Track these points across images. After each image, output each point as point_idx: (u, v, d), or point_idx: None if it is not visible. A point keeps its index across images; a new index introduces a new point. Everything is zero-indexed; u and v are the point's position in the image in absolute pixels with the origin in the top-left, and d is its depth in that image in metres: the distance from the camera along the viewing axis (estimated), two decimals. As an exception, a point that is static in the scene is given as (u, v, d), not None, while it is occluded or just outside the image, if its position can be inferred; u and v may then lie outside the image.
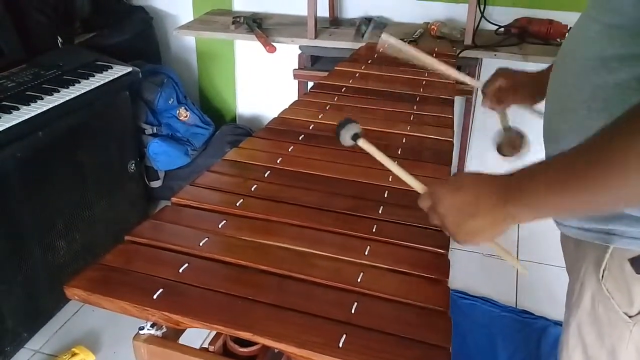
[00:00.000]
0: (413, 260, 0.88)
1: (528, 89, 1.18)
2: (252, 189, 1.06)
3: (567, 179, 0.64)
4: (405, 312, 0.77)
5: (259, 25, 2.47)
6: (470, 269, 2.23)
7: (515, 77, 1.21)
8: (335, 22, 2.58)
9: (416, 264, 0.86)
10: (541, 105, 1.14)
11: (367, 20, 2.50)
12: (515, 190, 0.69)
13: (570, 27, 2.35)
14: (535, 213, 0.69)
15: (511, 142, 1.31)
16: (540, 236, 2.44)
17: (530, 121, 1.19)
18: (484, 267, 2.26)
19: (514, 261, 0.90)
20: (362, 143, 0.92)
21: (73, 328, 1.97)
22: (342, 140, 0.93)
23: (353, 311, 0.76)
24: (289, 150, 1.22)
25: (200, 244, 0.88)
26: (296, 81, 2.49)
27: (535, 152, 1.03)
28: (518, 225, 2.55)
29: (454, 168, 2.12)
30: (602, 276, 0.84)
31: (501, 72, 1.23)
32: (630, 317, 0.83)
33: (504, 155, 1.32)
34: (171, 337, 0.80)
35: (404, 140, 1.29)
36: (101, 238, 2.15)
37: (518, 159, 1.29)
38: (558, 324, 1.96)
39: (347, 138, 0.93)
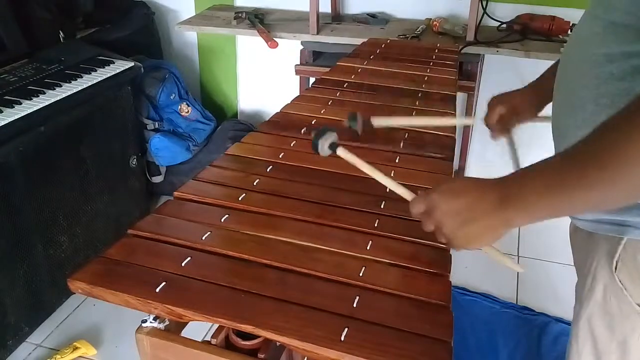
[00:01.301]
0: (415, 254, 0.88)
1: (527, 105, 1.17)
2: (254, 184, 1.06)
3: (564, 180, 0.64)
4: (406, 306, 0.77)
5: (261, 21, 2.47)
6: (471, 266, 2.23)
7: (511, 100, 1.18)
8: (337, 17, 2.58)
9: (418, 259, 0.87)
10: (544, 111, 1.15)
11: (370, 16, 2.50)
12: (513, 194, 0.69)
13: (573, 24, 2.36)
14: (533, 216, 0.69)
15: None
16: (541, 233, 2.44)
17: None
18: (484, 263, 2.26)
19: (510, 264, 0.89)
20: (341, 152, 0.91)
21: (75, 322, 1.97)
22: (321, 151, 0.92)
23: (355, 305, 0.76)
24: (291, 145, 1.22)
25: (203, 238, 0.89)
26: (298, 77, 2.49)
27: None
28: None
29: (455, 164, 2.12)
30: (616, 268, 0.84)
31: (496, 100, 1.20)
32: None
33: None
34: (174, 330, 0.81)
35: (406, 136, 1.29)
36: (102, 233, 2.15)
37: None
38: (559, 320, 1.97)
39: (325, 148, 0.92)
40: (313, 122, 1.34)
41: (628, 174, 0.60)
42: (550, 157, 0.68)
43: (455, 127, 1.41)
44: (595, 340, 0.91)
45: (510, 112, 1.18)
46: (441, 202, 0.75)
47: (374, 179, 0.90)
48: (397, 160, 1.18)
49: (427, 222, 0.78)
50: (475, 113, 2.47)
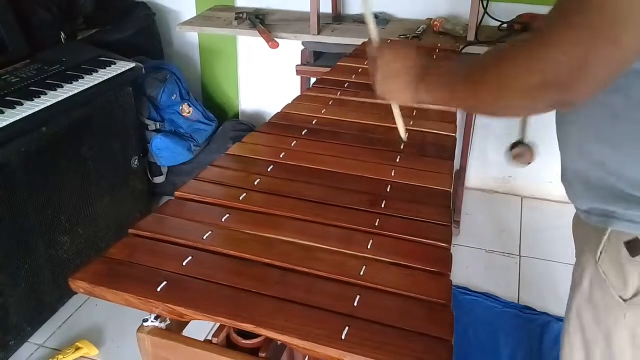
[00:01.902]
0: (415, 253, 0.88)
1: None
2: (255, 183, 1.06)
3: (452, 77, 0.84)
4: (407, 305, 0.77)
5: (261, 21, 2.47)
6: (472, 265, 2.23)
7: None
8: (337, 18, 2.58)
9: (418, 258, 0.87)
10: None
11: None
12: (425, 75, 0.89)
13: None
14: (430, 98, 0.89)
15: (522, 154, 1.49)
16: (543, 232, 2.45)
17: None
18: (486, 263, 2.26)
19: (400, 128, 1.13)
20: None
21: (76, 322, 1.98)
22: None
23: (356, 304, 0.76)
24: (292, 144, 1.23)
25: (204, 238, 0.89)
26: (299, 77, 2.49)
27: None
28: (521, 221, 2.56)
29: (456, 164, 2.12)
30: (599, 258, 0.84)
31: None
32: (624, 300, 0.84)
33: (515, 163, 1.53)
34: (175, 329, 0.81)
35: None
36: (104, 233, 2.15)
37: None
38: (560, 319, 1.96)
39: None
40: (314, 122, 1.34)
41: (486, 87, 0.74)
42: (457, 60, 0.90)
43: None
44: (583, 331, 0.92)
45: None
46: (385, 55, 0.96)
47: (376, 177, 0.92)
48: (397, 160, 1.18)
49: (371, 65, 0.98)
50: (475, 117, 2.47)
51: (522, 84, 0.67)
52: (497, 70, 0.71)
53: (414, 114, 1.41)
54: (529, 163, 1.53)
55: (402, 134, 1.15)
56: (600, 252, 0.84)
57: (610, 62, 0.61)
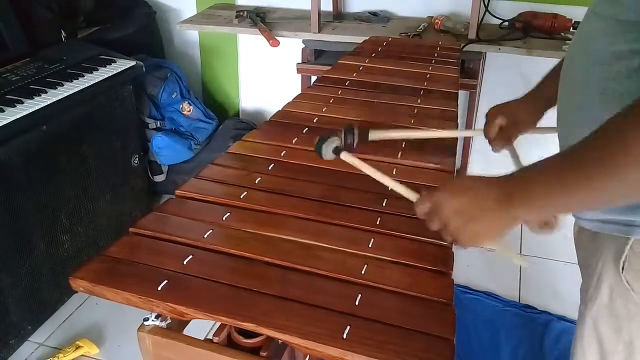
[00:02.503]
0: (417, 252, 0.88)
1: (527, 115, 1.15)
2: (256, 182, 1.06)
3: (565, 179, 0.66)
4: (409, 304, 0.77)
5: (262, 19, 2.47)
6: (473, 264, 2.23)
7: (510, 110, 1.16)
8: (338, 16, 2.58)
9: (420, 256, 0.86)
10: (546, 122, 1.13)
11: (372, 14, 2.50)
12: (516, 192, 0.70)
13: (575, 21, 2.34)
14: (536, 213, 0.72)
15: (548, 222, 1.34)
16: (544, 231, 2.44)
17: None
18: (486, 261, 2.25)
19: (516, 257, 0.90)
20: (345, 156, 0.94)
21: (77, 321, 1.97)
22: (325, 156, 0.96)
23: (357, 303, 0.76)
24: (293, 142, 1.22)
25: (205, 236, 0.88)
26: (299, 75, 2.49)
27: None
28: (521, 220, 2.55)
29: (457, 163, 2.12)
30: (623, 268, 0.83)
31: (496, 110, 1.17)
32: None
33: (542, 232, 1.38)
34: (175, 328, 0.80)
35: (403, 145, 1.28)
36: (104, 232, 2.15)
37: None
38: (561, 318, 1.96)
39: (329, 153, 0.95)
40: (315, 120, 1.34)
41: (626, 174, 0.60)
42: (551, 156, 0.69)
43: (456, 138, 1.39)
44: (600, 341, 0.91)
45: (509, 122, 1.15)
46: (446, 201, 0.76)
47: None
48: (399, 157, 1.18)
49: (433, 221, 0.78)
50: (477, 111, 2.47)
51: None
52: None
53: (415, 112, 1.41)
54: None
55: (522, 261, 0.95)
56: (624, 262, 0.83)
57: None
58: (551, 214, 0.70)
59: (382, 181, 0.91)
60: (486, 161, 2.70)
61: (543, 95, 1.08)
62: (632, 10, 0.72)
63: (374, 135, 1.12)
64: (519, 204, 0.70)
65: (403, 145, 1.23)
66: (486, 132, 1.18)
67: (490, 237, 0.75)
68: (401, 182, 0.89)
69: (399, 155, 1.18)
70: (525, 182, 0.70)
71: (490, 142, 1.19)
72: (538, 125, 1.16)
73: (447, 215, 0.75)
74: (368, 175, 0.90)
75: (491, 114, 1.17)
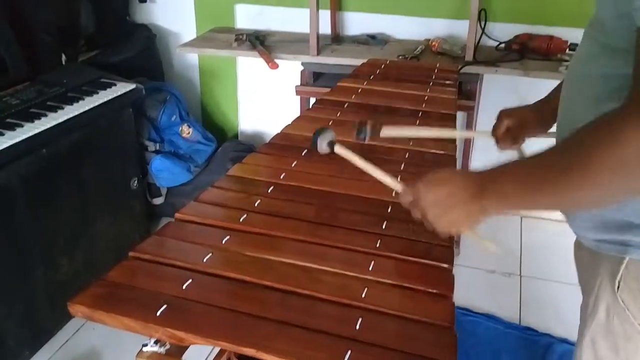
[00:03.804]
0: (417, 275, 0.87)
1: (534, 120, 1.19)
2: (256, 205, 1.06)
3: (531, 179, 0.73)
4: (410, 328, 0.77)
5: (261, 42, 2.49)
6: (474, 286, 2.22)
7: (519, 114, 1.22)
8: (337, 39, 2.60)
9: (421, 279, 0.86)
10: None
11: (370, 37, 2.52)
12: (488, 187, 0.77)
13: (571, 43, 2.36)
14: (505, 207, 0.78)
15: None
16: (544, 252, 2.44)
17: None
18: (487, 283, 2.25)
19: (488, 243, 0.96)
20: (338, 149, 0.99)
21: (75, 346, 1.95)
22: (319, 149, 1.00)
23: (358, 327, 0.75)
24: (292, 165, 1.23)
25: (204, 260, 0.88)
26: (298, 97, 2.50)
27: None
28: (521, 241, 2.55)
29: (458, 164, 2.11)
30: (618, 287, 0.84)
31: (505, 113, 1.23)
32: None
33: None
34: (175, 353, 0.80)
35: (406, 155, 1.29)
36: (103, 255, 2.14)
37: None
38: (562, 341, 1.95)
39: (324, 146, 0.99)
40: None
41: (587, 181, 0.65)
42: (527, 157, 0.76)
43: (456, 142, 1.44)
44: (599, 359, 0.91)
45: (517, 125, 1.21)
46: (425, 192, 0.83)
47: (377, 197, 0.90)
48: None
49: (415, 210, 0.85)
50: (475, 130, 2.47)
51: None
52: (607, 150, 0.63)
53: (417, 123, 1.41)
54: None
55: (492, 248, 0.97)
56: (619, 282, 0.83)
57: None
58: (520, 209, 0.77)
59: (372, 174, 0.97)
60: (486, 163, 2.70)
61: (551, 105, 1.11)
62: (617, 36, 0.74)
63: (386, 132, 1.19)
64: (489, 197, 0.77)
65: (401, 168, 1.23)
66: (494, 131, 1.25)
67: (465, 226, 0.84)
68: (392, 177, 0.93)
69: (398, 180, 1.18)
70: (498, 176, 0.77)
71: (496, 141, 1.25)
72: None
73: (425, 205, 0.82)
74: (367, 197, 0.91)
75: (500, 116, 1.24)
